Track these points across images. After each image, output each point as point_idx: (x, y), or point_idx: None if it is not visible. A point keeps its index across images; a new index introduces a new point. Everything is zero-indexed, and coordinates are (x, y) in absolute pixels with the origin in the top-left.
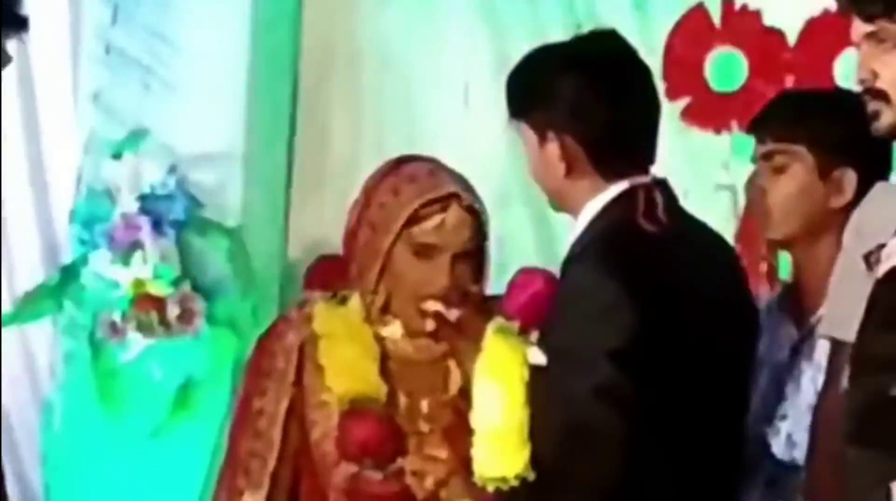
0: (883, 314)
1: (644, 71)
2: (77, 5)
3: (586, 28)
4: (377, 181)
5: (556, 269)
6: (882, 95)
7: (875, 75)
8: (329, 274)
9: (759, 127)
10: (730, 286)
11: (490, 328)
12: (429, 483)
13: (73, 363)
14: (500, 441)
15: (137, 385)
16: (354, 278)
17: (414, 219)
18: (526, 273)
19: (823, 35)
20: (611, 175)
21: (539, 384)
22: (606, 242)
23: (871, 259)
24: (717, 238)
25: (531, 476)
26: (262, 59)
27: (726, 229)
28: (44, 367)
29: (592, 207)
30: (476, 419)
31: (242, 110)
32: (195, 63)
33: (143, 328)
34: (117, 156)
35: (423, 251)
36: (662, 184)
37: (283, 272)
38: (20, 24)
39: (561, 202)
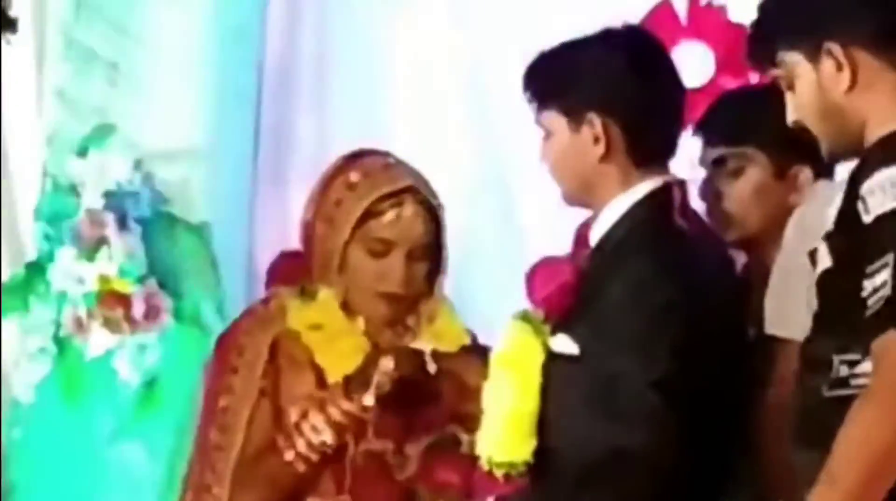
0: (818, 316)
1: (671, 62)
2: (40, 0)
3: (552, 27)
4: (332, 176)
5: (520, 262)
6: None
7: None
8: (291, 269)
9: (706, 131)
10: (736, 283)
11: (513, 315)
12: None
13: (38, 360)
14: (513, 426)
15: (103, 382)
16: (316, 272)
17: (369, 214)
18: (551, 263)
19: None
20: (643, 163)
21: (570, 372)
22: (654, 237)
23: (815, 257)
24: (718, 237)
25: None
26: (228, 54)
27: None
28: (9, 364)
29: (624, 200)
30: (489, 403)
31: (208, 106)
32: (160, 58)
33: (109, 325)
34: (82, 153)
35: (378, 247)
36: (683, 183)
37: (248, 269)
38: (8, 25)
39: (584, 193)
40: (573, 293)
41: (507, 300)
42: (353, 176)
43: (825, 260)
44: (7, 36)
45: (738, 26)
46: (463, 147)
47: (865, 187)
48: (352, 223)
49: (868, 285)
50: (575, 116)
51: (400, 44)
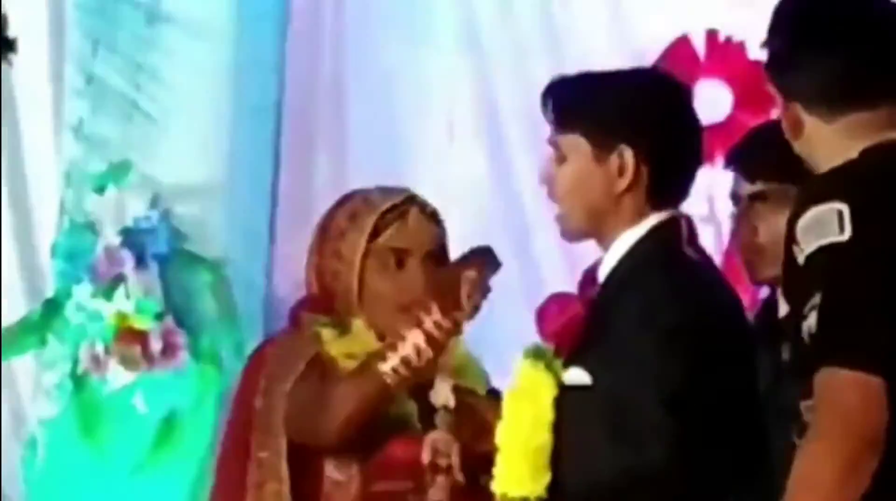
0: (788, 362)
1: (693, 105)
2: (58, 36)
3: (570, 62)
4: (331, 215)
5: (535, 298)
6: None
7: None
8: (313, 308)
9: (744, 166)
10: (742, 313)
11: (524, 350)
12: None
13: (55, 397)
14: (526, 460)
15: (120, 419)
16: (341, 310)
17: (376, 232)
18: (560, 298)
19: None
20: (659, 200)
21: (582, 401)
22: (662, 263)
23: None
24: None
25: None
26: (246, 90)
27: None
28: (27, 401)
29: (633, 234)
30: (502, 438)
31: (226, 142)
32: (177, 94)
33: (127, 362)
34: (100, 190)
35: (393, 258)
36: (689, 218)
37: (266, 306)
38: (8, 46)
39: (592, 223)
40: (583, 326)
41: (525, 340)
42: (352, 207)
43: (783, 306)
44: (11, 58)
45: (757, 63)
46: (479, 187)
47: (798, 228)
48: (362, 245)
49: (805, 326)
50: (603, 146)
51: (417, 76)
